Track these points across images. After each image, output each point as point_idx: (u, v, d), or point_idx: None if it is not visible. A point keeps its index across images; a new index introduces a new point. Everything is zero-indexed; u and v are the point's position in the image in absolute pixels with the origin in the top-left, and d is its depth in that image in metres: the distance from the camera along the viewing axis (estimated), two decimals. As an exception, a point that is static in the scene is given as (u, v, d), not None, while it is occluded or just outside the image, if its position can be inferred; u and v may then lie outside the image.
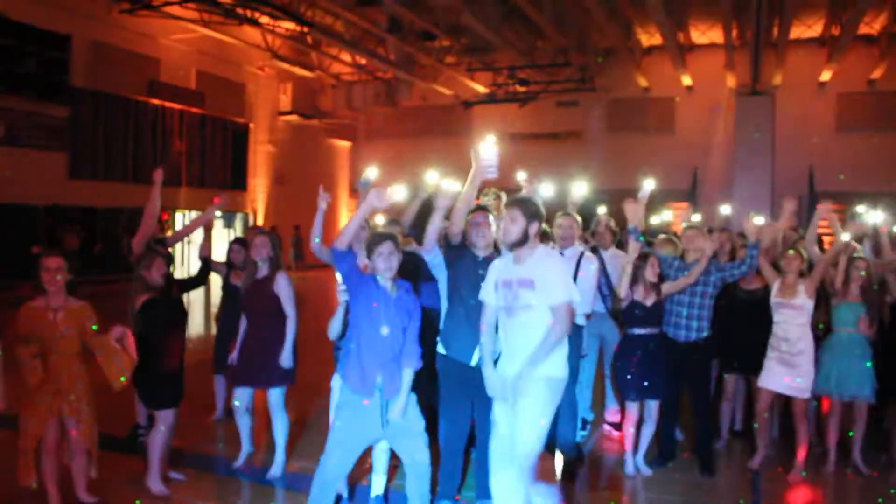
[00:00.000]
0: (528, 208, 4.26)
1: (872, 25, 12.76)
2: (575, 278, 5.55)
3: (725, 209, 8.70)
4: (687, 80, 14.96)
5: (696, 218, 9.21)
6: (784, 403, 6.30)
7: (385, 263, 4.34)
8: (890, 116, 14.37)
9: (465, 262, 4.73)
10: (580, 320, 5.72)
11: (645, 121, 15.56)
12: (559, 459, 5.64)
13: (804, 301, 5.82)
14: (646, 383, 5.76)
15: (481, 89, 15.63)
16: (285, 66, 14.90)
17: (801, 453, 5.88)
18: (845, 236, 6.11)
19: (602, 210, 7.36)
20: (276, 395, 5.49)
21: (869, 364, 5.86)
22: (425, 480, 4.62)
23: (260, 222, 14.78)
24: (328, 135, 17.01)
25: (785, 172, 14.05)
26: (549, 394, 4.10)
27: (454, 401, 4.91)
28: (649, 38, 14.09)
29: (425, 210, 5.66)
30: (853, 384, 5.92)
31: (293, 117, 15.64)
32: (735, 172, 14.29)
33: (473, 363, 4.76)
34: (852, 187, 13.52)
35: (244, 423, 5.82)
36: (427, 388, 5.00)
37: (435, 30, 12.62)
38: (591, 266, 5.91)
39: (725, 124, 14.69)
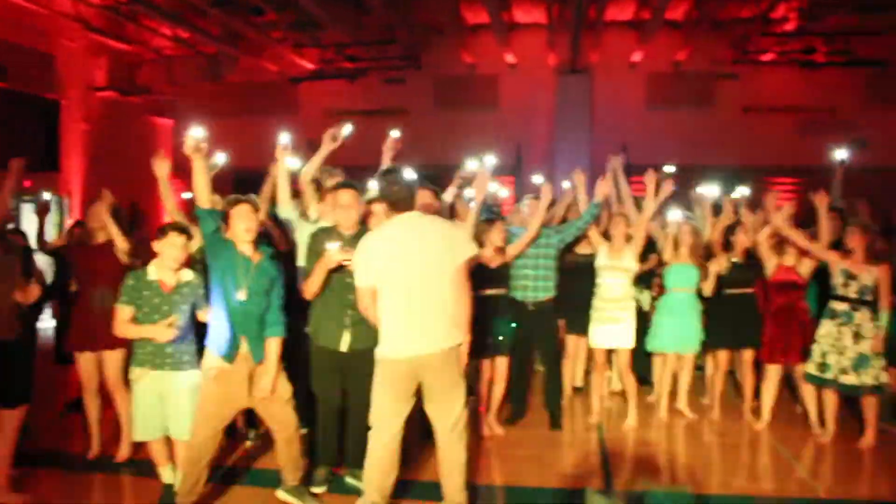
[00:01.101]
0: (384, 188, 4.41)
1: (677, 11, 13.69)
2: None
3: (538, 179, 9.25)
4: (511, 59, 15.45)
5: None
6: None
7: (244, 225, 4.37)
8: (693, 95, 15.48)
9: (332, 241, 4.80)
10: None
11: (470, 97, 15.90)
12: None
13: (630, 263, 6.33)
14: (495, 340, 6.06)
15: (309, 66, 15.43)
16: (99, 38, 14.06)
17: (632, 405, 6.42)
18: (671, 209, 6.67)
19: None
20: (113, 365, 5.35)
21: (696, 320, 6.47)
22: (295, 446, 4.68)
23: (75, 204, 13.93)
24: (148, 112, 16.21)
25: (602, 147, 14.80)
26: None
27: (327, 382, 4.98)
28: (475, 16, 14.40)
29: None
30: (685, 339, 6.51)
31: (110, 93, 14.77)
32: (556, 147, 14.96)
33: (343, 349, 4.85)
34: (663, 160, 14.53)
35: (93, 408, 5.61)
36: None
37: (261, 4, 12.33)
38: None
39: (547, 101, 15.30)
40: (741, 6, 13.41)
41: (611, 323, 6.26)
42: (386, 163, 5.72)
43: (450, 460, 4.41)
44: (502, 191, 9.79)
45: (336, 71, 15.55)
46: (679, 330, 6.42)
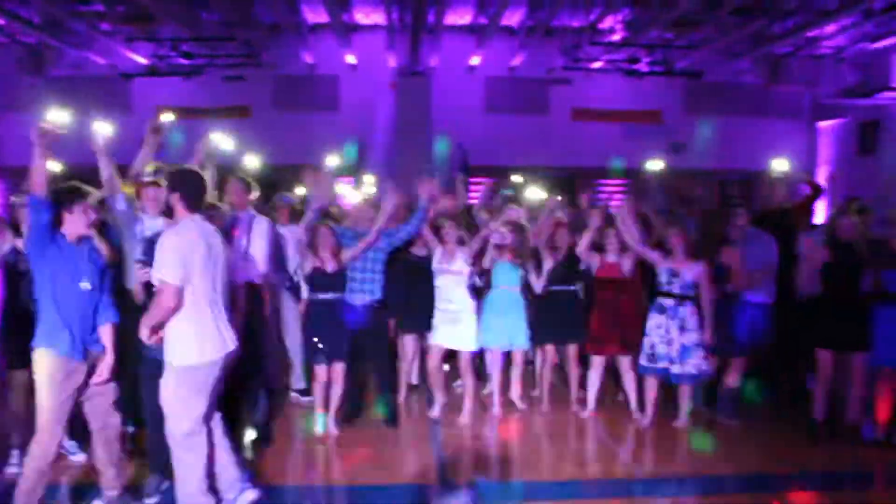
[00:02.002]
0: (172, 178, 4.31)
1: (513, 18, 14.11)
2: (249, 241, 5.68)
3: (370, 180, 9.36)
4: (351, 59, 15.41)
5: (370, 191, 9.66)
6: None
7: (84, 218, 4.20)
8: (528, 100, 16.01)
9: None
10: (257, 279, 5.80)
11: (311, 98, 15.73)
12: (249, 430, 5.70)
13: (462, 266, 6.48)
14: (332, 346, 6.05)
15: (142, 60, 14.79)
16: None
17: (469, 401, 6.58)
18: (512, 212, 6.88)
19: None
20: None
21: (522, 317, 6.69)
22: (115, 446, 4.50)
23: None
24: (-40, 106, 15.04)
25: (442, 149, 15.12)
26: (174, 382, 4.16)
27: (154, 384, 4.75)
28: (315, 15, 14.27)
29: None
30: (512, 336, 6.72)
31: (-86, 85, 13.61)
32: (396, 149, 15.06)
33: None
34: (500, 162, 14.95)
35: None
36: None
37: (88, -7, 11.73)
38: (261, 227, 5.95)
39: (388, 102, 15.37)
40: (572, 16, 13.98)
41: (449, 324, 6.39)
42: (199, 161, 5.52)
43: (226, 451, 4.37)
44: (350, 192, 9.74)
45: (171, 67, 14.98)
46: (506, 327, 6.62)
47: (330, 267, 6.03)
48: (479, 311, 6.65)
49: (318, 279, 6.05)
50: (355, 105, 15.57)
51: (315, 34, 15.19)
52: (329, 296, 6.03)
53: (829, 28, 13.15)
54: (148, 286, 4.44)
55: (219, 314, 4.20)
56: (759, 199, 7.59)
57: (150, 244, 4.45)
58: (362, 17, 14.88)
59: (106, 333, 4.30)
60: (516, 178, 8.50)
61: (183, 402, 4.10)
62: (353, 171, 14.88)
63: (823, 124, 16.04)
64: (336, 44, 14.75)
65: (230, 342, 4.23)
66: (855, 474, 5.69)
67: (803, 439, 6.25)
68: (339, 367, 6.11)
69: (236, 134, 15.08)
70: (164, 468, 4.40)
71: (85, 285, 4.18)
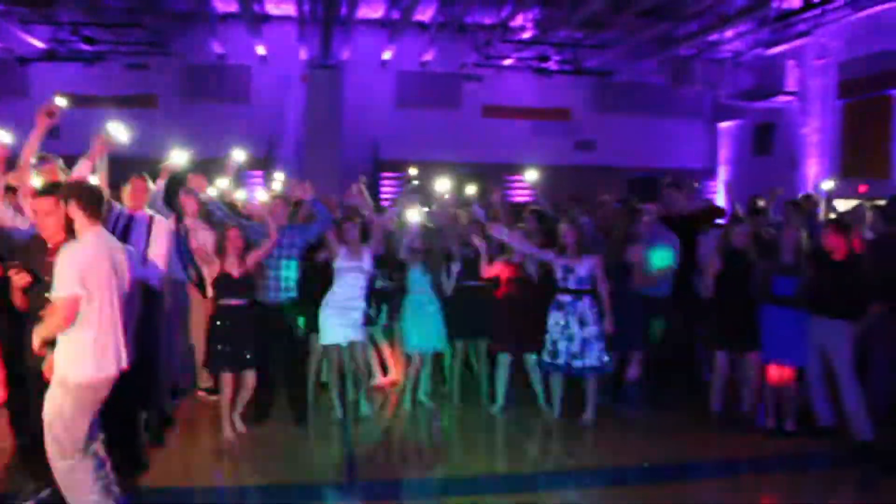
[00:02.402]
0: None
1: (426, 13, 14.10)
2: (147, 243, 5.47)
3: (279, 177, 9.25)
4: (262, 50, 15.13)
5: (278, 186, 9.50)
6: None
7: None
8: (439, 95, 16.03)
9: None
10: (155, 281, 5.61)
11: (221, 88, 15.38)
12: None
13: (367, 264, 6.45)
14: (240, 354, 5.90)
15: (40, 45, 14.17)
16: None
17: (363, 393, 6.57)
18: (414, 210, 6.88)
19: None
20: None
21: (439, 320, 6.72)
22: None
23: None
24: None
25: (353, 143, 15.00)
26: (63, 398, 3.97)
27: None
28: (225, 4, 13.95)
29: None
30: (431, 338, 6.72)
31: None
32: (308, 142, 14.88)
33: None
34: (411, 157, 14.93)
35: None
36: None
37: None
38: (161, 228, 5.72)
39: (299, 95, 15.16)
40: (484, 13, 14.08)
41: (344, 319, 6.35)
42: (94, 161, 5.29)
43: None
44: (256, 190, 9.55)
45: (71, 52, 14.40)
46: (423, 330, 6.63)
47: (236, 272, 5.89)
48: (391, 313, 6.65)
49: (224, 284, 5.89)
50: (267, 97, 15.31)
51: (225, 24, 14.86)
52: (236, 301, 5.88)
53: (729, 33, 13.65)
54: (28, 291, 4.22)
55: (117, 330, 4.03)
56: (662, 200, 7.75)
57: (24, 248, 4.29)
58: (273, 7, 14.64)
59: None
60: (413, 172, 8.48)
61: (68, 420, 3.91)
62: (263, 165, 14.66)
63: (723, 125, 16.64)
64: (247, 34, 14.47)
65: (124, 360, 4.07)
66: (750, 461, 5.96)
67: (702, 429, 6.50)
68: (247, 375, 5.98)
69: (140, 125, 14.68)
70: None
71: None
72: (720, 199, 15.92)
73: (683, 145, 16.51)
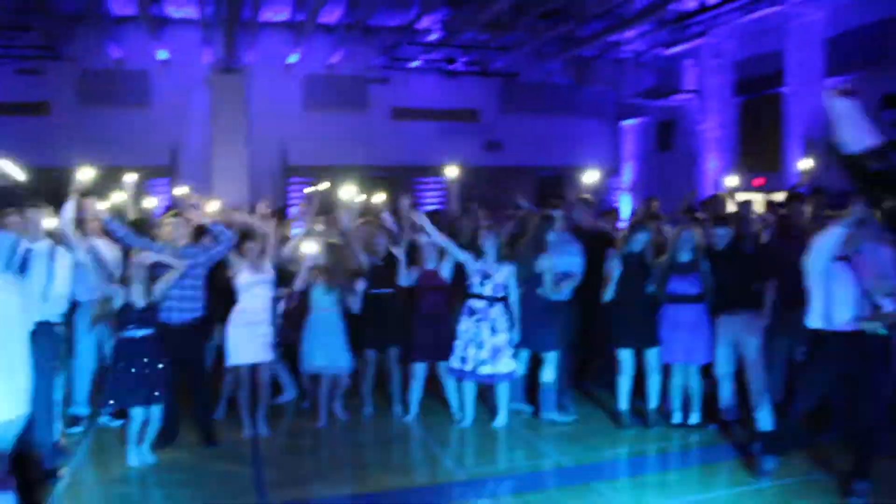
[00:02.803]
0: None
1: (332, 15, 13.91)
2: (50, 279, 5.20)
3: (181, 191, 8.98)
4: (163, 54, 14.66)
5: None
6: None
7: None
8: (347, 98, 15.84)
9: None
10: (57, 318, 5.35)
11: (119, 94, 14.80)
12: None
13: (269, 277, 6.33)
14: (146, 387, 5.68)
15: (-78, 51, 13.41)
16: None
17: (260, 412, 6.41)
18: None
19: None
20: None
21: (343, 339, 6.63)
22: None
23: None
24: None
25: (260, 148, 14.69)
26: None
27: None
28: (121, 7, 13.44)
29: None
30: (335, 358, 6.63)
31: None
32: (213, 148, 14.51)
33: None
34: (320, 161, 14.75)
35: None
36: None
37: None
38: (64, 259, 5.47)
39: (202, 100, 14.76)
40: (390, 15, 13.99)
41: (253, 337, 6.21)
42: None
43: None
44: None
45: (-46, 57, 13.66)
46: (328, 350, 6.54)
47: (143, 301, 5.66)
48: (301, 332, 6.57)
49: (128, 316, 5.64)
50: (168, 102, 14.79)
51: (122, 27, 14.31)
52: (141, 333, 5.65)
53: (629, 34, 13.94)
54: None
55: (9, 373, 3.81)
56: (571, 210, 7.76)
57: None
58: (174, 10, 14.18)
59: None
60: (324, 183, 8.33)
61: None
62: (166, 172, 14.25)
63: (626, 123, 17.00)
64: (146, 38, 13.99)
65: (23, 404, 3.86)
66: (660, 455, 6.13)
67: (610, 428, 6.63)
68: (154, 409, 5.76)
69: (33, 133, 14.10)
70: None
71: None
72: (623, 196, 16.32)
73: (589, 143, 16.77)
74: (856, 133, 3.77)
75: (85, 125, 14.17)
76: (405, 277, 6.67)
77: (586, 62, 15.66)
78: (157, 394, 5.62)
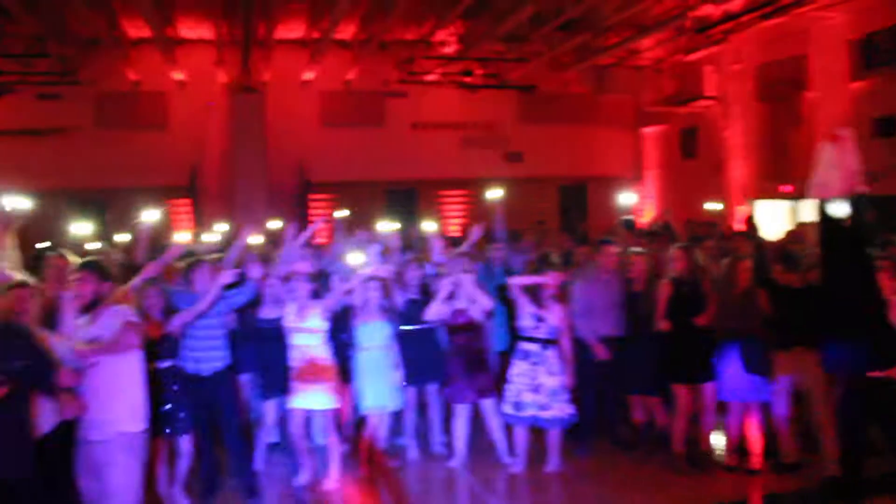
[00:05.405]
0: None
1: (346, 32, 13.47)
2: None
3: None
4: (179, 75, 14.25)
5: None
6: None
7: None
8: (364, 113, 15.40)
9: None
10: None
11: (137, 116, 14.44)
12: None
13: (319, 323, 5.80)
14: (169, 417, 5.27)
15: (-62, 77, 13.01)
16: None
17: (334, 465, 5.94)
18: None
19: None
20: None
21: (393, 377, 6.10)
22: None
23: None
24: None
25: (279, 165, 14.29)
26: None
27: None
28: (137, 30, 13.03)
29: None
30: (386, 397, 6.10)
31: None
32: (233, 167, 14.12)
33: None
34: (339, 177, 14.34)
35: None
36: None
37: None
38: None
39: (220, 120, 14.38)
40: (405, 29, 13.56)
41: (306, 385, 5.73)
42: None
43: None
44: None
45: (-27, 85, 13.27)
46: (378, 389, 6.02)
47: (154, 333, 5.22)
48: (350, 370, 6.03)
49: (156, 345, 5.24)
50: (185, 123, 14.37)
51: (138, 49, 13.91)
52: (160, 364, 5.23)
53: (647, 41, 13.47)
54: None
55: None
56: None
57: None
58: (188, 30, 13.76)
59: None
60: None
61: None
62: (187, 194, 13.87)
63: (647, 130, 16.49)
64: (161, 59, 13.58)
65: None
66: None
67: (667, 472, 6.11)
68: (184, 443, 5.33)
69: (55, 157, 13.73)
70: None
71: None
72: (643, 206, 15.76)
73: (610, 152, 16.29)
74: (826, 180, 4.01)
75: (102, 148, 13.80)
76: (432, 313, 6.14)
77: (604, 71, 15.15)
78: (178, 425, 5.21)
